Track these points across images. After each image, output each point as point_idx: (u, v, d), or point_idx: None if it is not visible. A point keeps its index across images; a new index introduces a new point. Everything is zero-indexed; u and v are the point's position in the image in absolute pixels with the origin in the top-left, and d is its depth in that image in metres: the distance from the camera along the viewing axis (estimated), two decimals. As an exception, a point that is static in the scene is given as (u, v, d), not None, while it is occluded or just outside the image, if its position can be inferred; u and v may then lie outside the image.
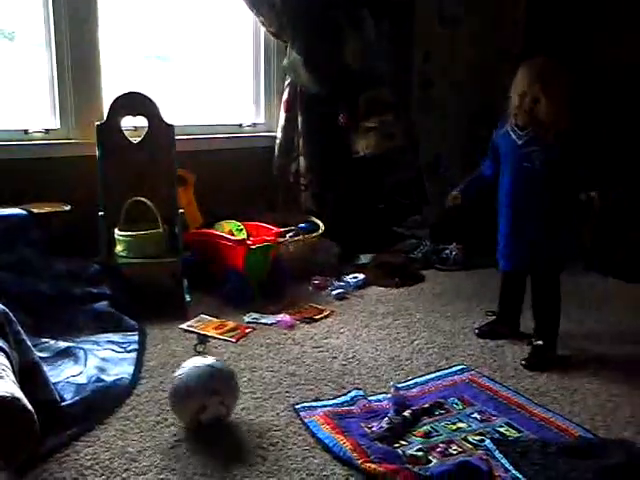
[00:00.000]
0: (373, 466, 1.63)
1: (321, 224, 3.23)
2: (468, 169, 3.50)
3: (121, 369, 2.09)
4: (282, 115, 3.38)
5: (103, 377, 2.00)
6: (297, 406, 1.93)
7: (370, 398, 1.99)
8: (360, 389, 2.04)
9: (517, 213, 2.35)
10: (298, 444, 1.76)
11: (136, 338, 2.33)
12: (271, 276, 2.85)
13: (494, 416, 1.91)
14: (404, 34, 3.55)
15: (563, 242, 2.33)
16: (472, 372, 2.20)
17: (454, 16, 3.69)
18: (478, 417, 1.91)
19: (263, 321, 2.57)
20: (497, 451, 1.71)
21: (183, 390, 1.77)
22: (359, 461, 1.65)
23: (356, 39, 3.35)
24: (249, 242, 2.80)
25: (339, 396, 2.01)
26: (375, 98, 3.43)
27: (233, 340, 2.39)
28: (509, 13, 3.80)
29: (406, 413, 1.88)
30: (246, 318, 2.60)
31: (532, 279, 2.40)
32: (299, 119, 3.34)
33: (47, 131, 2.88)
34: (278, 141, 3.40)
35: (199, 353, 2.26)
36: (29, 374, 1.71)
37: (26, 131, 2.83)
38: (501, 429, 1.84)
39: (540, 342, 2.32)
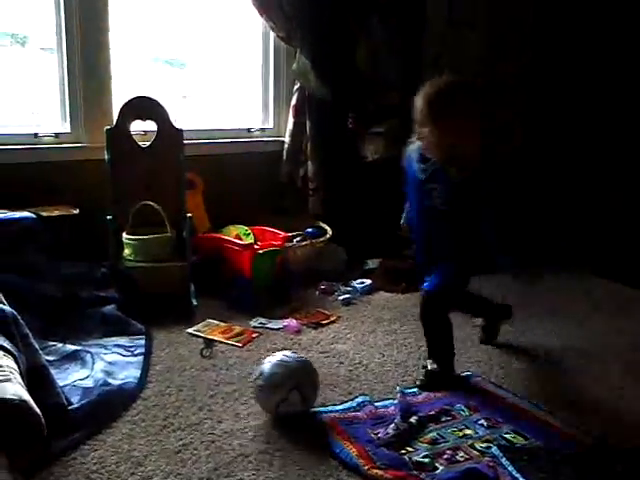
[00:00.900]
0: (379, 472, 1.62)
1: (328, 229, 3.23)
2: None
3: (128, 373, 2.09)
4: (290, 120, 3.39)
5: (110, 381, 2.00)
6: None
7: (377, 404, 1.98)
8: (366, 395, 2.04)
9: (424, 250, 2.22)
10: (304, 449, 1.76)
11: (143, 342, 2.34)
12: (278, 281, 2.85)
13: (501, 423, 1.90)
14: (414, 39, 3.55)
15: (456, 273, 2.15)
16: (479, 378, 2.19)
17: (464, 19, 3.68)
18: (485, 424, 1.89)
19: (269, 326, 2.57)
20: (504, 458, 1.69)
21: (271, 380, 1.85)
22: (365, 467, 1.65)
23: (366, 44, 3.36)
24: (256, 247, 2.80)
25: (345, 402, 2.00)
26: (384, 103, 3.43)
27: (240, 345, 2.39)
28: (518, 17, 3.79)
29: (412, 419, 1.88)
30: (252, 323, 2.60)
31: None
32: (307, 124, 3.35)
33: (57, 135, 2.90)
34: (286, 146, 3.40)
35: (205, 357, 2.27)
36: (36, 377, 1.72)
37: (36, 135, 2.85)
38: (508, 436, 1.83)
39: (435, 366, 2.15)
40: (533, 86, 3.82)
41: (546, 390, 2.14)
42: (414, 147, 2.12)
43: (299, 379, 1.87)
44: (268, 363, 1.90)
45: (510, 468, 1.65)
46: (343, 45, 3.34)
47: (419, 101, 1.99)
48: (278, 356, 1.93)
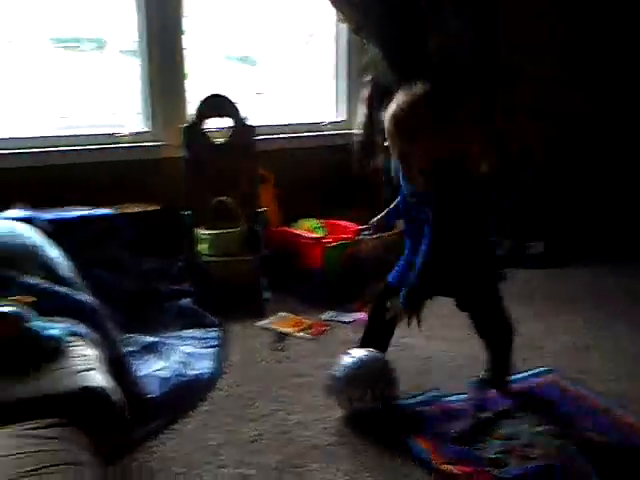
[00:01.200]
0: (449, 467, 1.61)
1: (399, 222, 3.20)
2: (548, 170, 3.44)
3: (203, 364, 2.16)
4: (362, 112, 3.37)
5: (186, 371, 2.08)
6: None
7: (447, 399, 1.97)
8: (437, 389, 2.02)
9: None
10: (375, 443, 1.76)
11: (217, 334, 2.41)
12: (349, 274, 2.86)
13: (577, 420, 1.84)
14: (489, 25, 3.45)
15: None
16: (555, 374, 2.13)
17: (538, 10, 3.55)
18: (560, 421, 1.84)
19: (340, 319, 2.59)
20: (581, 456, 1.64)
21: (349, 376, 1.84)
22: (435, 462, 1.64)
23: (438, 32, 3.30)
24: (327, 240, 2.82)
25: (415, 396, 1.99)
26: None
27: (311, 337, 2.42)
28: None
29: (485, 414, 1.85)
30: (323, 316, 2.62)
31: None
32: (379, 116, 3.32)
33: (136, 134, 3.01)
34: (358, 138, 3.40)
35: (277, 350, 2.31)
36: (118, 366, 1.80)
37: (117, 134, 2.97)
38: (585, 433, 1.76)
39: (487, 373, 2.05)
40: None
41: (625, 388, 2.05)
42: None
43: (377, 379, 1.86)
44: (349, 358, 1.89)
45: (587, 467, 1.60)
46: (414, 34, 3.29)
47: (389, 118, 1.74)
48: (359, 353, 1.92)
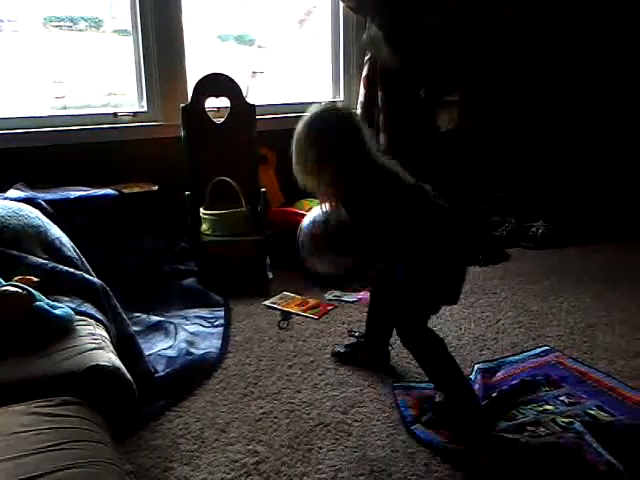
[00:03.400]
0: (454, 446, 1.63)
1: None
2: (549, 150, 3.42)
3: (209, 343, 2.17)
4: (361, 91, 3.35)
5: (192, 350, 2.08)
6: (395, 384, 1.95)
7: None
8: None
9: None
10: (383, 421, 1.77)
11: (222, 313, 2.41)
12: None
13: (583, 398, 1.85)
14: (489, 3, 3.42)
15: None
16: (559, 353, 2.14)
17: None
18: (566, 400, 1.84)
19: (344, 299, 2.59)
20: (588, 434, 1.64)
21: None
22: (443, 441, 1.65)
23: (438, 10, 3.27)
24: (329, 220, 2.81)
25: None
26: (457, 71, 3.34)
27: (315, 317, 2.42)
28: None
29: (493, 394, 1.86)
30: (327, 296, 2.62)
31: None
32: (379, 95, 3.30)
33: (135, 114, 2.97)
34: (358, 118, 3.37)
35: (282, 329, 2.31)
36: (125, 346, 1.80)
37: (115, 114, 2.93)
38: (591, 412, 1.77)
39: (440, 398, 1.80)
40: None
41: (633, 365, 2.06)
42: None
43: None
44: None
45: (595, 445, 1.60)
46: (415, 13, 3.26)
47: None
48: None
